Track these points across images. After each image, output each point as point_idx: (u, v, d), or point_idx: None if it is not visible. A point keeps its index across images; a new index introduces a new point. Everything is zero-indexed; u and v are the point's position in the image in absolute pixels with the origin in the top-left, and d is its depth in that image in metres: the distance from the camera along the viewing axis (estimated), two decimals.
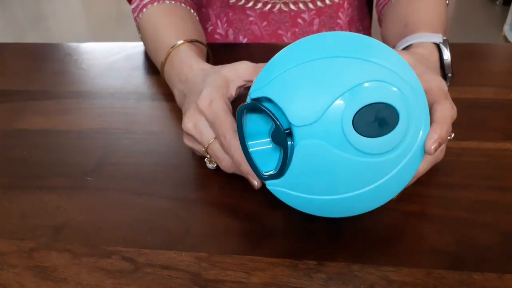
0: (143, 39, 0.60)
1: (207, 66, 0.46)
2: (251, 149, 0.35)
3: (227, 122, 0.38)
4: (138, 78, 0.60)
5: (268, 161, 0.35)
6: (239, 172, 0.39)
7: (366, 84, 0.31)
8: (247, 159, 0.35)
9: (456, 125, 0.43)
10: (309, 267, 0.35)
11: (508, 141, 0.46)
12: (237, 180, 0.42)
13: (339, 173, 0.32)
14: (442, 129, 0.34)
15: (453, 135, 0.41)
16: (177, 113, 0.51)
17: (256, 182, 0.37)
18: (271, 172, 0.34)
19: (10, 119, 0.54)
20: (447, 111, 0.36)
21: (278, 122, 0.32)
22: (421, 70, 0.40)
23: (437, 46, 0.49)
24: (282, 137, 0.32)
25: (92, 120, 0.52)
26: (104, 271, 0.35)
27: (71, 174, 0.44)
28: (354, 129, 0.31)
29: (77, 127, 0.51)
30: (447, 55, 0.49)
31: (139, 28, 0.61)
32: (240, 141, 0.35)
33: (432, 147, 0.33)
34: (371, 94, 0.31)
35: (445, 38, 0.50)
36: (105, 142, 0.49)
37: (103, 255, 0.36)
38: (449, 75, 0.50)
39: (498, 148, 0.45)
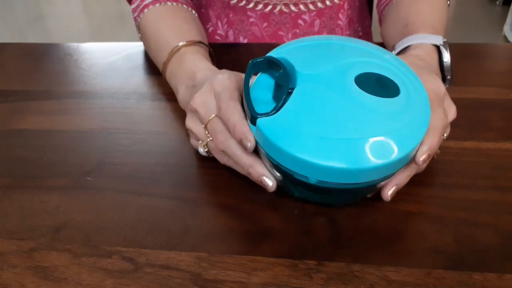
0: (143, 39, 0.60)
1: (214, 68, 0.47)
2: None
3: (233, 95, 0.38)
4: (138, 78, 0.60)
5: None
6: (233, 150, 0.38)
7: (372, 60, 0.36)
8: (245, 96, 0.35)
9: (456, 125, 0.43)
10: (309, 267, 0.35)
11: (508, 141, 0.46)
12: (238, 180, 0.42)
13: (335, 113, 0.33)
14: (433, 140, 0.35)
15: (445, 135, 0.41)
16: (177, 113, 0.51)
17: (249, 143, 0.35)
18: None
19: (10, 119, 0.54)
20: (438, 120, 0.36)
21: (285, 67, 0.35)
22: (416, 71, 0.40)
23: (437, 48, 0.49)
24: (286, 77, 0.34)
25: (92, 120, 0.52)
26: (104, 271, 0.35)
27: (71, 174, 0.45)
28: (356, 84, 0.34)
29: (77, 127, 0.51)
30: (447, 57, 0.49)
31: (139, 28, 0.61)
32: (244, 87, 0.36)
33: (421, 159, 0.35)
34: (377, 67, 0.35)
35: (445, 40, 0.49)
36: (105, 142, 0.49)
37: (103, 255, 0.36)
38: (448, 77, 0.50)
39: (498, 148, 0.45)
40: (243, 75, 0.42)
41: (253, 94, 0.36)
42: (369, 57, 0.36)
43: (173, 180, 0.43)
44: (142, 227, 0.39)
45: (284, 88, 0.34)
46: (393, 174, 0.35)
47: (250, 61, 0.36)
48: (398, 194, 0.40)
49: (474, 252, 0.35)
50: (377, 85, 0.34)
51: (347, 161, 0.32)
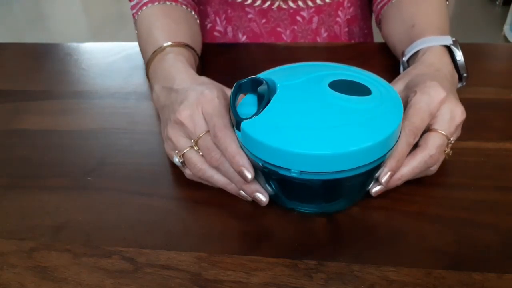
0: (137, 37, 0.61)
1: (193, 72, 0.46)
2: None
3: (226, 118, 0.39)
4: (138, 78, 0.60)
5: None
6: (227, 168, 0.38)
7: (344, 72, 0.40)
8: (231, 108, 0.37)
9: None
10: (309, 267, 0.35)
11: (508, 141, 0.46)
12: None
13: (312, 110, 0.36)
14: (392, 163, 0.37)
15: (452, 139, 0.41)
16: None
17: (249, 175, 0.36)
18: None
19: (10, 119, 0.54)
20: (404, 145, 0.37)
21: (267, 81, 0.38)
22: (420, 79, 0.42)
23: (447, 48, 0.49)
24: (267, 87, 0.37)
25: (92, 120, 0.52)
26: (104, 271, 0.35)
27: (71, 174, 0.45)
28: (330, 88, 0.37)
29: (77, 127, 0.51)
30: (459, 55, 0.49)
31: (136, 25, 0.61)
32: (231, 106, 0.37)
33: (383, 180, 0.37)
34: (349, 76, 0.39)
35: (454, 39, 0.49)
36: (105, 142, 0.49)
37: (103, 255, 0.36)
38: (464, 75, 0.50)
39: (498, 148, 0.45)
40: (226, 90, 0.42)
41: (239, 109, 0.38)
42: (342, 70, 0.41)
43: (173, 180, 0.43)
44: (142, 227, 0.39)
45: (265, 96, 0.37)
46: (367, 168, 0.35)
47: (235, 83, 0.39)
48: (398, 194, 0.40)
49: (474, 252, 0.35)
50: (350, 88, 0.37)
51: (322, 148, 0.33)
